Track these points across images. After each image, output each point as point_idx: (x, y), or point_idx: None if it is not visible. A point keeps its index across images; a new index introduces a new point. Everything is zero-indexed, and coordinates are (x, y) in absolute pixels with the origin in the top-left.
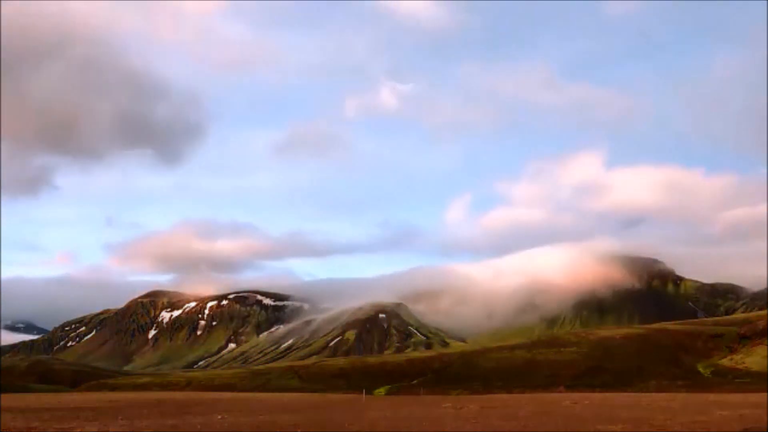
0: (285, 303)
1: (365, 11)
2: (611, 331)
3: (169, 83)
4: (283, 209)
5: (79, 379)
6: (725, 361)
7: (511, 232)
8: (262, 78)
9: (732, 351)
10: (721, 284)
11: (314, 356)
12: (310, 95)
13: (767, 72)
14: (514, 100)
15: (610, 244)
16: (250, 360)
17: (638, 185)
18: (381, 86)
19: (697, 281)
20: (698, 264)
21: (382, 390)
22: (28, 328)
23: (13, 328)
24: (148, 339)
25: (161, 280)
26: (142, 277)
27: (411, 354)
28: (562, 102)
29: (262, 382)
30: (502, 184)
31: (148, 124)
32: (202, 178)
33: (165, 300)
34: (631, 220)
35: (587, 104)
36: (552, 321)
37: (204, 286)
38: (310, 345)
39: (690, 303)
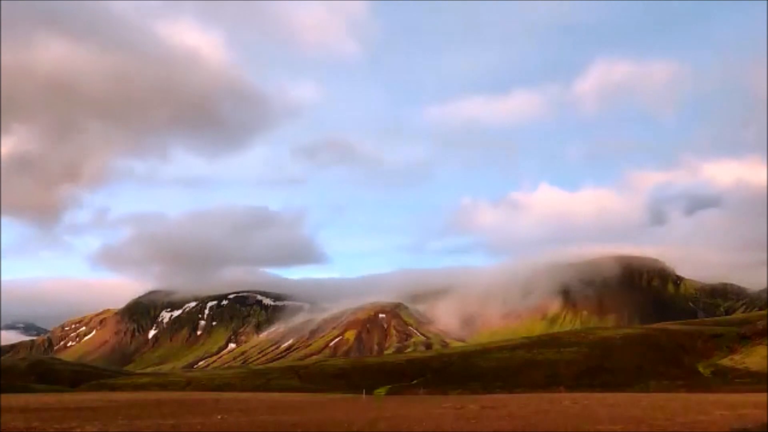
0: (285, 303)
1: None
2: (611, 331)
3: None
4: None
5: (79, 379)
6: (725, 361)
7: (511, 232)
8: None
9: (732, 351)
10: (721, 284)
11: (314, 356)
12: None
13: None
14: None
15: (610, 245)
16: (250, 360)
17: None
18: None
19: (697, 281)
20: (698, 264)
21: (382, 390)
22: (28, 328)
23: (13, 328)
24: (148, 339)
25: (161, 279)
26: (142, 277)
27: (411, 354)
28: None
29: (262, 382)
30: (507, 189)
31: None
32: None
33: (165, 300)
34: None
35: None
36: (552, 321)
37: (204, 286)
38: (310, 345)
39: (690, 303)
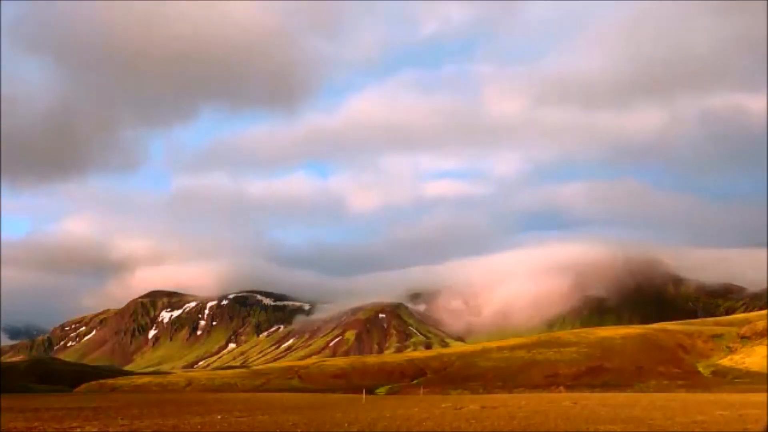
0: (285, 303)
1: None
2: (611, 331)
3: None
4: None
5: (79, 379)
6: (725, 361)
7: (510, 231)
8: None
9: (732, 351)
10: (721, 284)
11: (314, 356)
12: None
13: (767, 80)
14: None
15: (610, 244)
16: (250, 360)
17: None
18: None
19: (697, 281)
20: (698, 264)
21: (382, 390)
22: (28, 328)
23: (13, 328)
24: (148, 339)
25: (161, 279)
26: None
27: (411, 354)
28: None
29: (262, 382)
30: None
31: None
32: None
33: (165, 300)
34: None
35: None
36: (552, 321)
37: (204, 286)
38: (310, 345)
39: (690, 303)
